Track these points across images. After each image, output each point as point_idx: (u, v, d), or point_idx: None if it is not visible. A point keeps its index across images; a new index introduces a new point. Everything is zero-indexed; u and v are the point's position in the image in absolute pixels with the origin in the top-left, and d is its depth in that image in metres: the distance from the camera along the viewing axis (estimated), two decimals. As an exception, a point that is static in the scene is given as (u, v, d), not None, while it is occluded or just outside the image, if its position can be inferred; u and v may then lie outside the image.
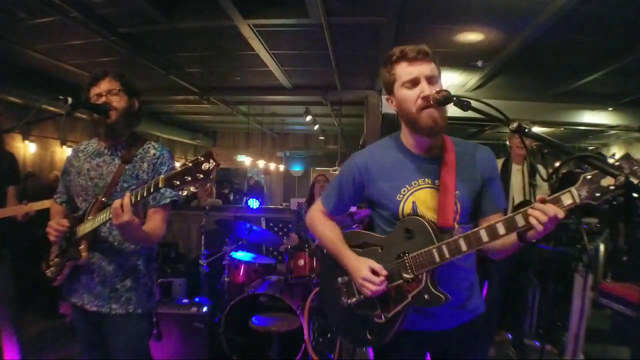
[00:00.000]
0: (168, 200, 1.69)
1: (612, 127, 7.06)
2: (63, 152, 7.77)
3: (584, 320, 2.69)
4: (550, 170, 1.40)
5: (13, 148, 6.28)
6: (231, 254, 3.64)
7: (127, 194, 1.44)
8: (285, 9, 3.82)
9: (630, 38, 3.98)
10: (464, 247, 1.23)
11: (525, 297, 3.36)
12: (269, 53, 4.89)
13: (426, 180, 1.38)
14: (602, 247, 2.93)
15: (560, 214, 1.11)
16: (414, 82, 1.34)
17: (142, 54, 4.87)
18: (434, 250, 1.27)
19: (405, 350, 1.42)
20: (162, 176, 1.36)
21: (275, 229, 5.53)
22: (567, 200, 1.11)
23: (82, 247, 1.62)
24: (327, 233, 1.53)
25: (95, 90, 1.70)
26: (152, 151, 1.73)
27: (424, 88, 1.32)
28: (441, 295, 1.26)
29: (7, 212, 2.47)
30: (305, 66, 5.58)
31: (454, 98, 1.27)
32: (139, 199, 1.44)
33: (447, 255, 1.25)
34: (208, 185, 6.16)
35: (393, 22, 3.78)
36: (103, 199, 1.63)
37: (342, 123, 8.82)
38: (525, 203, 3.12)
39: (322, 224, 1.57)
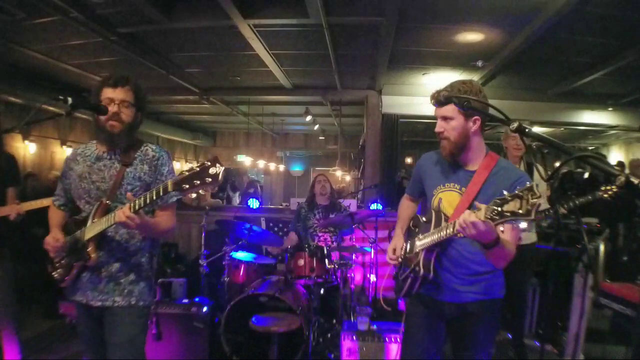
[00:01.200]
0: (174, 199, 1.77)
1: (612, 127, 7.07)
2: (63, 152, 7.77)
3: (584, 320, 2.69)
4: (550, 171, 1.41)
5: (13, 148, 6.28)
6: (231, 254, 3.64)
7: (126, 206, 1.50)
8: (285, 9, 3.82)
9: (630, 38, 3.99)
10: (435, 238, 1.61)
11: (525, 297, 3.35)
12: (269, 53, 4.89)
13: (455, 185, 1.73)
14: (602, 247, 2.93)
15: (461, 222, 1.38)
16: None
17: (142, 54, 4.87)
18: (428, 236, 1.67)
19: (422, 308, 1.83)
20: (171, 180, 1.41)
21: (275, 229, 5.53)
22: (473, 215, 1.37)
23: (90, 249, 1.67)
24: (401, 211, 2.07)
25: (109, 93, 1.70)
26: (151, 153, 1.78)
27: (437, 125, 1.71)
28: (419, 271, 1.65)
29: None
30: (305, 66, 5.58)
31: (454, 98, 1.29)
32: (148, 203, 1.49)
33: (429, 243, 1.64)
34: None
35: (393, 22, 3.78)
36: (107, 202, 1.69)
37: (342, 123, 8.83)
38: None
39: (403, 203, 2.09)
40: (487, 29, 4.01)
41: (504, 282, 1.81)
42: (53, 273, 1.78)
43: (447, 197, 1.74)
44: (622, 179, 0.96)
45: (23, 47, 4.78)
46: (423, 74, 5.62)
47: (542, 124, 6.79)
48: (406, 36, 4.25)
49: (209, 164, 1.35)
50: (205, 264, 3.68)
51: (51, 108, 5.03)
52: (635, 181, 0.96)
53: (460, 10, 3.64)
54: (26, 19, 3.91)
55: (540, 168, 1.26)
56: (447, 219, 1.65)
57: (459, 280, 1.71)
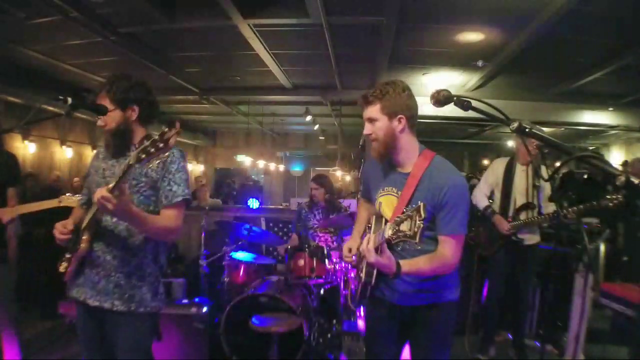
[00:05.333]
0: (180, 198, 1.68)
1: (612, 127, 7.06)
2: (63, 152, 7.77)
3: (584, 320, 2.69)
4: (551, 171, 1.41)
5: (13, 148, 6.28)
6: (231, 254, 3.63)
7: (104, 187, 1.44)
8: (285, 8, 3.82)
9: (630, 38, 3.98)
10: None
11: (525, 297, 3.35)
12: (269, 53, 4.89)
13: (393, 188, 1.73)
14: (602, 247, 2.93)
15: (362, 249, 1.52)
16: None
17: (142, 54, 4.87)
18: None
19: (379, 310, 1.83)
20: (132, 154, 1.38)
21: (275, 229, 5.53)
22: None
23: (83, 237, 1.63)
24: (359, 214, 2.09)
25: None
26: None
27: (365, 127, 1.72)
28: (362, 277, 1.67)
29: None
30: (305, 66, 5.58)
31: (455, 98, 1.29)
32: (115, 183, 1.43)
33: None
34: (203, 186, 6.18)
35: (393, 22, 3.78)
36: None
37: (342, 123, 8.82)
38: (527, 206, 3.09)
39: (360, 206, 2.12)
40: (487, 29, 4.01)
41: (459, 284, 1.81)
42: (59, 267, 1.72)
43: (386, 201, 1.74)
44: (623, 178, 0.95)
45: (23, 47, 4.78)
46: (423, 74, 5.62)
47: (542, 124, 6.78)
48: (406, 36, 4.25)
49: (167, 129, 1.33)
50: (205, 264, 3.68)
51: (51, 108, 5.06)
52: (636, 181, 0.95)
53: (460, 10, 3.63)
54: (26, 19, 3.91)
55: (543, 169, 1.26)
56: (387, 222, 1.62)
57: (407, 284, 1.70)
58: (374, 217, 1.77)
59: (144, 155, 1.34)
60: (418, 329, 1.78)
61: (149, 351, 1.76)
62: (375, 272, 1.62)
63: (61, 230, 1.66)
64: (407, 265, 1.55)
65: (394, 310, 1.79)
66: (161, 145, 1.32)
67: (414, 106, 1.67)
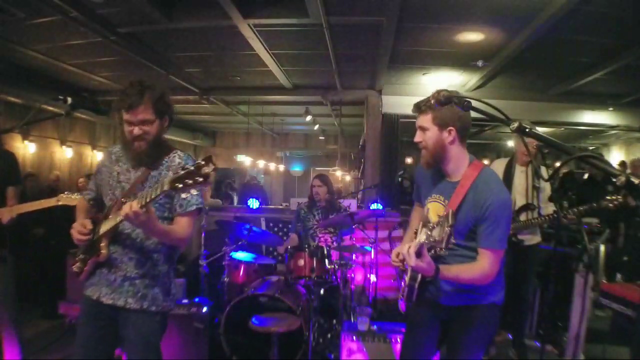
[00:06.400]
0: (194, 207, 1.74)
1: (612, 127, 7.06)
2: (63, 152, 7.77)
3: (584, 320, 2.69)
4: (551, 171, 1.41)
5: (13, 148, 6.27)
6: (231, 254, 3.63)
7: (135, 201, 1.48)
8: (285, 8, 3.82)
9: (630, 38, 3.99)
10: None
11: (526, 297, 3.35)
12: (269, 53, 4.89)
13: (440, 196, 1.77)
14: (602, 248, 2.93)
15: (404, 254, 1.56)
16: None
17: (142, 54, 4.87)
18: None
19: (422, 308, 1.87)
20: (167, 179, 1.41)
21: (275, 229, 5.52)
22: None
23: (102, 244, 1.68)
24: (411, 218, 2.11)
25: (127, 117, 1.68)
26: (177, 160, 1.78)
27: (416, 135, 1.76)
28: (407, 280, 1.73)
29: None
30: (305, 66, 5.58)
31: (455, 98, 1.29)
32: (148, 201, 1.47)
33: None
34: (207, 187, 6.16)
35: (393, 22, 3.78)
36: (124, 200, 1.65)
37: (342, 123, 8.82)
38: (527, 207, 3.09)
39: (413, 210, 2.11)
40: (487, 29, 4.01)
41: (503, 287, 1.80)
42: (73, 266, 1.77)
43: (433, 208, 1.78)
44: (623, 178, 0.95)
45: (23, 47, 4.78)
46: (423, 74, 5.62)
47: (542, 124, 6.78)
48: (406, 36, 4.25)
49: (203, 163, 1.35)
50: (205, 264, 3.67)
51: (51, 108, 5.05)
52: (636, 181, 0.95)
53: (460, 10, 3.63)
54: (26, 19, 3.91)
55: (543, 169, 1.26)
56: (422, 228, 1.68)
57: (451, 284, 1.75)
58: (421, 223, 1.79)
59: (180, 185, 1.36)
60: (456, 328, 1.80)
61: (158, 348, 1.81)
62: (419, 276, 1.67)
63: (80, 230, 1.69)
64: (446, 270, 1.59)
65: (437, 310, 1.83)
66: (200, 180, 1.34)
67: (466, 118, 1.67)
